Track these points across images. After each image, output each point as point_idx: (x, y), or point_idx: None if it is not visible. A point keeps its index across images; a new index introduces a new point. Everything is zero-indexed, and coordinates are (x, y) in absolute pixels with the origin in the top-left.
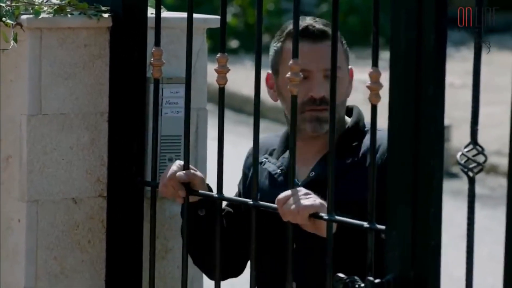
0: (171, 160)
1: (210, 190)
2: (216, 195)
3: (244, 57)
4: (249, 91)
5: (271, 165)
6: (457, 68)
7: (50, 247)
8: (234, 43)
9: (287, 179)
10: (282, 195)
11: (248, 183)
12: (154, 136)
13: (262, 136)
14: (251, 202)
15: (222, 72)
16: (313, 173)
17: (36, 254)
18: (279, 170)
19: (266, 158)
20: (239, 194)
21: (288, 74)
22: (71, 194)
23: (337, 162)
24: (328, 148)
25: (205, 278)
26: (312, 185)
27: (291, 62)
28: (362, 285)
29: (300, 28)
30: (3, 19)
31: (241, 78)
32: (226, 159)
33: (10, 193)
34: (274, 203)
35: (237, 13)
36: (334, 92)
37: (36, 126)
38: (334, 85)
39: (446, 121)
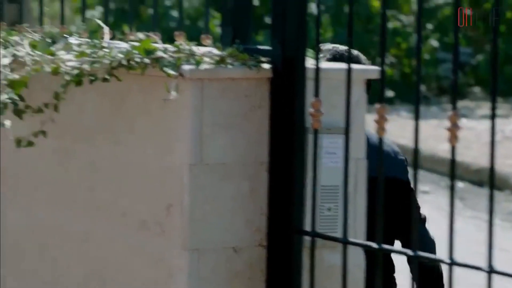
0: (330, 210)
1: None
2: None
3: (400, 107)
4: (406, 141)
5: None
6: None
7: None
8: (389, 93)
9: None
10: None
11: None
12: (313, 186)
13: None
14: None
15: (381, 123)
16: None
17: None
18: None
19: None
20: None
21: None
22: (231, 243)
23: None
24: None
25: None
26: None
27: None
28: None
29: None
30: (165, 69)
31: (397, 128)
32: None
33: (172, 241)
34: None
35: (392, 63)
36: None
37: (197, 176)
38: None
39: None
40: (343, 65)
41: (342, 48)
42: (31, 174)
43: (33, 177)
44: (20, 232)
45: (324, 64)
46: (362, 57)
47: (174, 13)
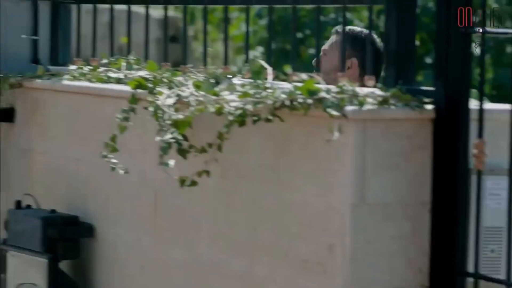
0: (493, 252)
1: None
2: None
3: None
4: None
5: None
6: None
7: None
8: None
9: None
10: None
11: None
12: (476, 227)
13: None
14: None
15: None
16: None
17: None
18: None
19: None
20: None
21: None
22: (392, 283)
23: None
24: None
25: None
26: None
27: None
28: None
29: None
30: (328, 110)
31: None
32: None
33: (333, 281)
34: None
35: None
36: None
37: (359, 216)
38: None
39: None
40: (507, 106)
41: (358, 29)
42: (194, 212)
43: (195, 215)
44: (183, 270)
45: (488, 105)
46: (377, 39)
47: None
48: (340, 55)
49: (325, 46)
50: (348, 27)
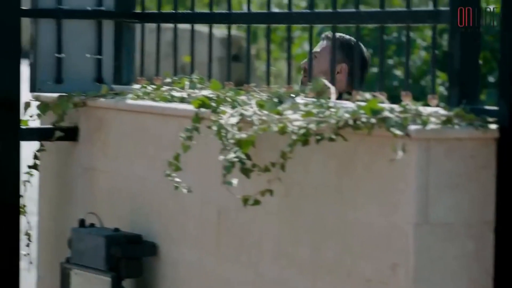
0: None
1: None
2: None
3: None
4: None
5: None
6: None
7: None
8: None
9: None
10: None
11: None
12: None
13: None
14: None
15: None
16: None
17: None
18: None
19: None
20: None
21: None
22: None
23: None
24: None
25: None
26: None
27: None
28: None
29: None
30: (392, 129)
31: None
32: None
33: None
34: None
35: None
36: None
37: (422, 235)
38: None
39: None
40: None
41: (348, 37)
42: (257, 231)
43: (258, 234)
44: None
45: None
46: (364, 48)
47: (396, 72)
48: (330, 60)
49: (316, 49)
50: (338, 34)
